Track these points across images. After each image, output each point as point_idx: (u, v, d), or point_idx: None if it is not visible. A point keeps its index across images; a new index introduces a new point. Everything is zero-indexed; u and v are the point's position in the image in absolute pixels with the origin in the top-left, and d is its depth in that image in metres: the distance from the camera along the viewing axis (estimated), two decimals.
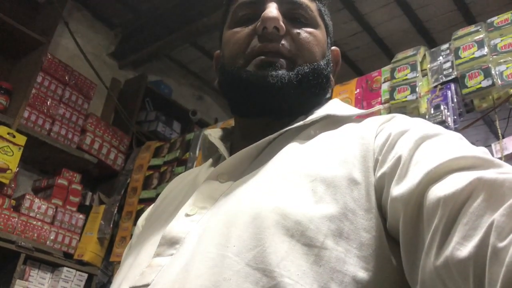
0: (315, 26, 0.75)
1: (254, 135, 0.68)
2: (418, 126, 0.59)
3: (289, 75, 0.68)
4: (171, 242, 0.57)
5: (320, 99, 0.76)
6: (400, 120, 0.63)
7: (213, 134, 0.78)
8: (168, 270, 0.54)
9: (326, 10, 0.81)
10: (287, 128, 0.67)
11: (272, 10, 0.70)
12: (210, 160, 0.80)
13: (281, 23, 0.70)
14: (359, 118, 0.72)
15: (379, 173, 0.57)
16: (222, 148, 0.74)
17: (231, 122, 2.74)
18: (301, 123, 0.68)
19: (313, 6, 0.76)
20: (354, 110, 0.74)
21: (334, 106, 0.74)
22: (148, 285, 0.54)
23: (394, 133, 0.59)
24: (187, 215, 0.60)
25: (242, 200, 0.58)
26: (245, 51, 0.72)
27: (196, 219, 0.59)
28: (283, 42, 0.70)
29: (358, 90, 2.13)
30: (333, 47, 0.82)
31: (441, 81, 1.86)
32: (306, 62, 0.71)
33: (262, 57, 0.70)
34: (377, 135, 0.62)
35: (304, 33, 0.73)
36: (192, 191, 0.66)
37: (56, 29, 2.94)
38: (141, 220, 0.83)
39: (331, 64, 0.78)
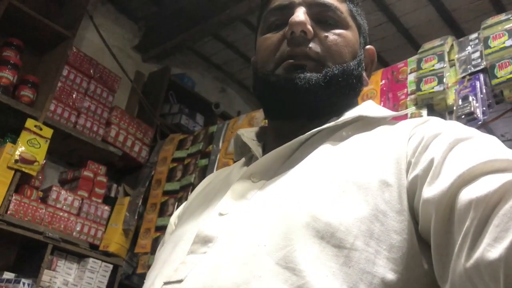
0: (345, 27, 0.75)
1: (287, 136, 0.69)
2: (452, 129, 0.59)
3: (317, 77, 0.69)
4: (204, 241, 0.59)
5: (351, 99, 0.76)
6: (434, 123, 0.63)
7: (246, 134, 0.79)
8: (201, 267, 0.55)
9: (359, 10, 0.80)
10: (319, 129, 0.68)
11: (299, 14, 0.71)
12: (243, 160, 0.81)
13: (309, 26, 0.70)
14: (393, 121, 0.72)
15: (411, 176, 0.56)
16: (254, 148, 0.75)
17: (254, 115, 2.73)
18: (333, 123, 0.68)
19: (343, 8, 0.76)
20: (387, 112, 0.73)
21: (367, 108, 0.73)
22: (181, 280, 0.55)
23: (428, 136, 0.59)
24: (220, 214, 0.62)
25: (274, 202, 0.58)
26: (275, 56, 0.73)
27: (229, 218, 0.60)
28: (311, 45, 0.71)
29: (383, 81, 2.10)
30: (367, 46, 0.82)
31: (469, 71, 1.82)
32: (335, 63, 0.71)
33: (291, 60, 0.70)
34: (410, 137, 0.61)
35: (332, 35, 0.73)
36: (224, 190, 0.68)
37: (81, 23, 2.96)
38: (173, 218, 0.86)
39: (363, 64, 0.78)
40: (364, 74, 0.79)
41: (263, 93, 0.75)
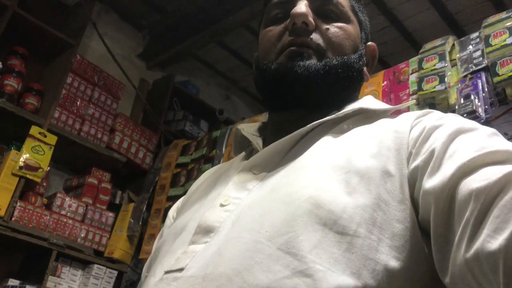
0: (346, 21, 0.76)
1: (287, 129, 0.69)
2: (453, 121, 0.59)
3: (317, 65, 0.70)
4: (206, 231, 0.59)
5: (351, 92, 0.77)
6: (435, 115, 0.64)
7: (246, 128, 0.80)
8: (202, 255, 0.56)
9: (361, 7, 0.82)
10: (320, 121, 0.68)
11: (301, 6, 0.72)
12: (242, 154, 0.81)
13: (310, 18, 0.72)
14: (394, 114, 0.72)
15: (412, 166, 0.57)
16: (255, 141, 0.75)
17: (257, 119, 2.72)
18: (333, 116, 0.68)
19: (344, 2, 0.77)
20: (388, 105, 0.74)
21: (368, 101, 0.74)
22: (182, 269, 0.56)
23: (429, 127, 0.60)
24: (221, 205, 0.62)
25: (276, 190, 0.59)
26: (276, 46, 0.74)
27: (230, 209, 0.61)
28: (312, 36, 0.72)
29: (385, 82, 2.09)
30: (369, 43, 0.83)
31: (471, 70, 1.80)
32: (336, 55, 0.72)
33: (292, 48, 0.71)
34: (412, 128, 0.62)
35: (334, 27, 0.74)
36: (225, 182, 0.68)
37: (85, 31, 3.00)
38: (172, 211, 0.86)
39: (364, 58, 0.79)
40: (365, 69, 0.79)
41: (264, 83, 0.75)
